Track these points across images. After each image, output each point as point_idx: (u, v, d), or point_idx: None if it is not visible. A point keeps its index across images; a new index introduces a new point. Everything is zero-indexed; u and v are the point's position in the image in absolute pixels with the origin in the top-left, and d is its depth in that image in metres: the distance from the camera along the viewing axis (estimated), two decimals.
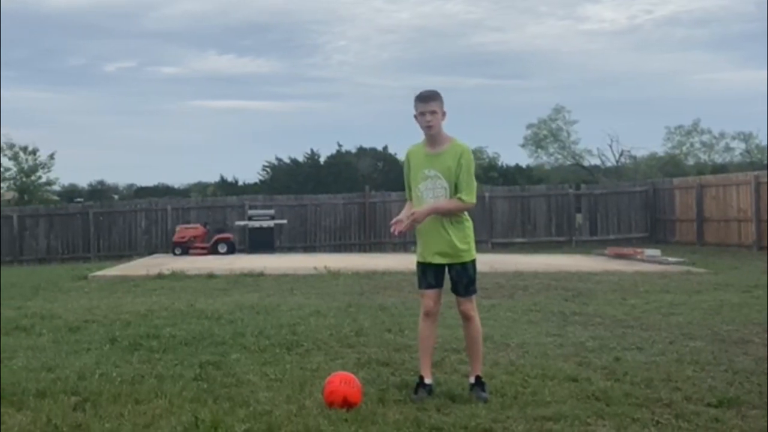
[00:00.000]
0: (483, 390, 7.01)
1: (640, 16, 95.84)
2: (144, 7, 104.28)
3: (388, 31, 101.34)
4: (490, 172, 58.86)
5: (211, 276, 19.33)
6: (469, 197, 7.03)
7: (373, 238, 33.76)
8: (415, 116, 7.08)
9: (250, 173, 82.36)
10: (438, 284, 7.19)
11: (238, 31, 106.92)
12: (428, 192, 7.09)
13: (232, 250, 30.48)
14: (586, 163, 55.00)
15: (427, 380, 7.12)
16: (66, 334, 10.60)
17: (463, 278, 7.13)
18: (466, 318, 7.21)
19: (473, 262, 7.20)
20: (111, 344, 9.74)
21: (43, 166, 53.92)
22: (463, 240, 7.12)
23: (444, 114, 7.08)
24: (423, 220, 6.99)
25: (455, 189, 7.01)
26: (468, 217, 7.23)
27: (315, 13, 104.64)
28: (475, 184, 7.10)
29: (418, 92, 7.08)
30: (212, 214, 34.20)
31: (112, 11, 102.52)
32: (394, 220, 7.26)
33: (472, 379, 7.17)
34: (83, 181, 76.73)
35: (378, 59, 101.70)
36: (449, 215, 7.06)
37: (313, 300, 14.23)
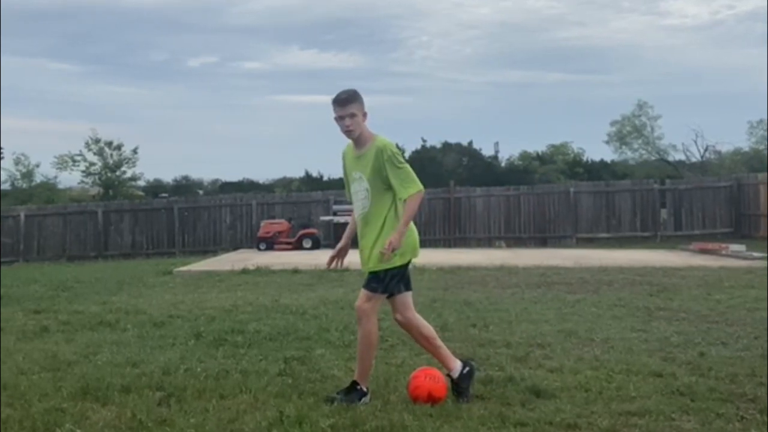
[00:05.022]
0: (355, 398, 6.66)
1: (722, 12, 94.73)
2: (226, 2, 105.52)
3: (469, 26, 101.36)
4: (575, 168, 58.43)
5: (295, 271, 19.39)
6: (409, 190, 6.59)
7: (458, 233, 33.58)
8: (335, 119, 6.77)
9: (335, 168, 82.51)
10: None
11: (321, 25, 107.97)
12: (356, 195, 6.90)
13: (316, 245, 30.60)
14: (670, 159, 54.28)
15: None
16: (151, 329, 10.68)
17: (370, 275, 6.76)
18: (357, 316, 6.84)
19: (386, 271, 6.67)
20: (196, 339, 9.78)
21: (128, 161, 54.65)
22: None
23: (365, 115, 6.78)
24: (400, 244, 6.57)
25: (391, 188, 6.65)
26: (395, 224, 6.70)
27: (397, 8, 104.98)
28: (407, 173, 6.63)
29: (334, 95, 6.76)
30: (297, 209, 34.35)
31: (195, 6, 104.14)
32: (329, 258, 7.25)
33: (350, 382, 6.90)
34: (168, 176, 77.65)
35: (460, 54, 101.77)
36: (388, 221, 6.70)
37: None
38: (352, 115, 6.69)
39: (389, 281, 6.70)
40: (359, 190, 6.83)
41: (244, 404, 6.58)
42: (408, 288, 6.90)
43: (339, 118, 6.75)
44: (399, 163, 6.63)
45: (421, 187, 6.66)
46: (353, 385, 6.79)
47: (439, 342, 7.03)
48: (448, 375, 6.89)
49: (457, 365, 6.91)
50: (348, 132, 6.77)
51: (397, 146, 6.90)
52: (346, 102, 6.71)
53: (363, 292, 6.78)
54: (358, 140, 6.82)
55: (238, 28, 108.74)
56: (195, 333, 10.14)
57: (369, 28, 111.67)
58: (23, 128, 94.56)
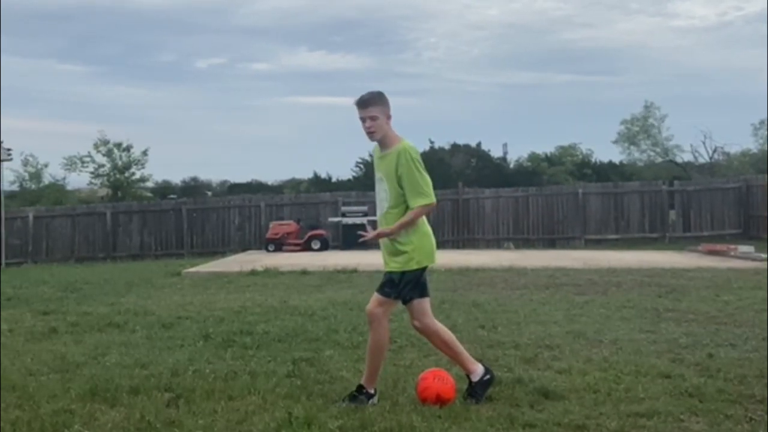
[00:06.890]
0: (363, 401, 6.65)
1: (730, 13, 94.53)
2: (234, 3, 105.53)
3: (477, 27, 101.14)
4: (584, 169, 58.35)
5: (304, 272, 19.39)
6: (417, 201, 6.50)
7: (467, 234, 33.57)
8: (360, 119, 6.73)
9: (343, 169, 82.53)
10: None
11: (329, 27, 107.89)
12: (377, 195, 6.82)
13: (325, 246, 30.63)
14: (678, 160, 54.18)
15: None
16: (159, 331, 10.68)
17: (384, 279, 6.73)
18: (369, 320, 6.78)
19: (402, 273, 6.63)
20: (204, 341, 9.79)
21: (137, 162, 54.65)
22: (395, 250, 6.67)
23: (389, 117, 6.68)
24: (383, 238, 6.63)
25: (403, 195, 6.56)
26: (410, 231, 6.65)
27: (404, 9, 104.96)
28: (423, 182, 6.53)
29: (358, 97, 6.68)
30: (305, 210, 34.34)
31: (203, 7, 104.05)
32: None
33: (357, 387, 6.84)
34: (177, 178, 77.55)
35: (468, 56, 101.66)
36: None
37: None
38: (373, 118, 6.59)
39: (403, 287, 6.64)
40: (380, 191, 6.77)
41: (253, 405, 6.58)
42: (424, 295, 6.80)
43: (361, 120, 6.68)
44: (416, 170, 6.51)
45: (433, 200, 6.57)
46: (359, 389, 6.77)
47: (460, 347, 6.99)
48: (468, 376, 6.88)
49: (478, 369, 6.88)
50: (369, 134, 6.68)
51: None
52: (367, 104, 6.61)
53: (375, 297, 6.72)
54: (382, 142, 6.74)
55: (246, 29, 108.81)
56: (203, 334, 10.14)
57: (377, 30, 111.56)
58: (30, 129, 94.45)
